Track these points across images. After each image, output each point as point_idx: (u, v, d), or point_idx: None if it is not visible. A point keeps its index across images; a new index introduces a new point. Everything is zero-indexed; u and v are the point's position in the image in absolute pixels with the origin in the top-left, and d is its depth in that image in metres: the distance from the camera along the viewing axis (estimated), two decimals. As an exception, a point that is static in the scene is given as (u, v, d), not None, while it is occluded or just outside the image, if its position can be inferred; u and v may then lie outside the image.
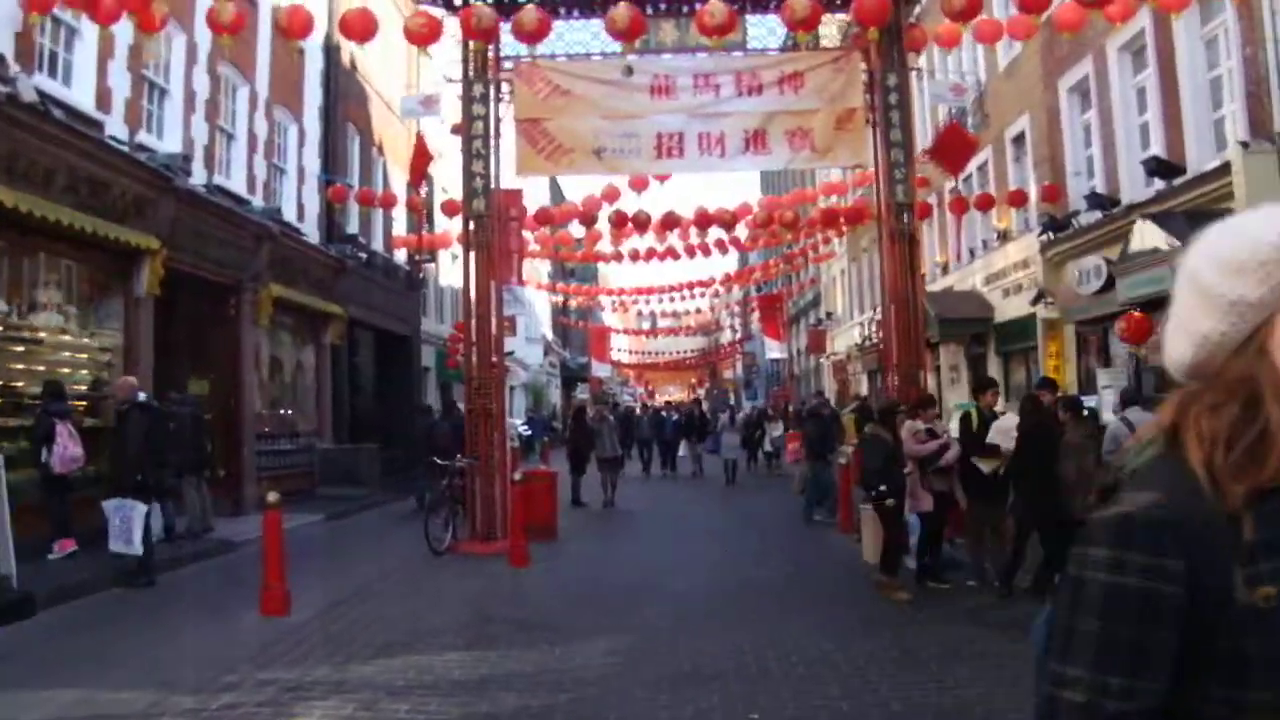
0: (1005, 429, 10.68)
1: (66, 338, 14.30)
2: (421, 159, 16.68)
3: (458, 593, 11.34)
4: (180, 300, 18.07)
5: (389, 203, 21.63)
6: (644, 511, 20.91)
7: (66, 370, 14.15)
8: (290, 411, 22.28)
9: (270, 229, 18.60)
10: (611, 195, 21.27)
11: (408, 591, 11.49)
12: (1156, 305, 12.56)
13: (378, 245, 27.38)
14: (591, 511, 20.38)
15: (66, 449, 12.38)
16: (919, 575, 11.06)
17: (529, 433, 38.39)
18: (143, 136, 15.76)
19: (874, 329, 35.51)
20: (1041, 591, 9.61)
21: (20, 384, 13.19)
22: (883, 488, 10.57)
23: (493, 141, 15.21)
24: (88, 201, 13.54)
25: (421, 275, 32.01)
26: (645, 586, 11.59)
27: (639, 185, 20.41)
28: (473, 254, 15.29)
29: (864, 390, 32.06)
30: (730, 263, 46.29)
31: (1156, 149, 14.79)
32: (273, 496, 10.30)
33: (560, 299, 52.73)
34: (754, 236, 28.78)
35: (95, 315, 14.94)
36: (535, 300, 53.02)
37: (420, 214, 21.12)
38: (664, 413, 30.11)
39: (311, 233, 22.20)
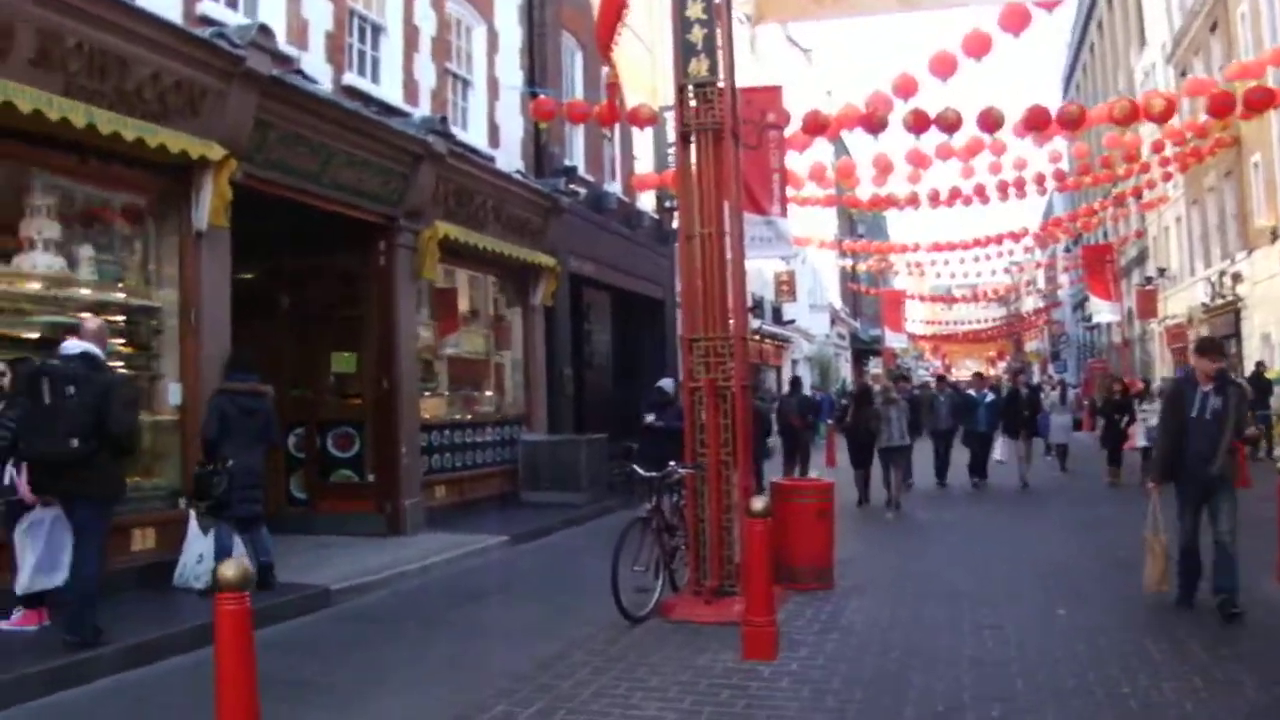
0: None
1: (79, 290, 9.59)
2: (612, 7, 11.08)
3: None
4: (298, 243, 13.41)
5: (609, 117, 16.18)
6: (957, 523, 14.80)
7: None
8: (484, 393, 17.34)
9: (432, 146, 13.53)
10: (905, 87, 15.07)
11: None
12: None
13: (615, 188, 22.16)
14: (881, 530, 14.43)
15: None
16: None
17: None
18: (208, 5, 11.02)
19: (1228, 283, 28.81)
20: None
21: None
22: None
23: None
24: (96, 90, 8.80)
25: (674, 226, 26.58)
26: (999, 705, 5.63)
27: (943, 67, 14.18)
28: (693, 149, 9.61)
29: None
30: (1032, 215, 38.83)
31: None
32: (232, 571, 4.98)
33: (849, 262, 46.40)
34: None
35: (134, 257, 10.31)
36: (820, 264, 46.81)
37: (613, 112, 15.62)
38: (972, 390, 21.58)
39: (509, 162, 17.06)
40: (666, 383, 14.32)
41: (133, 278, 10.05)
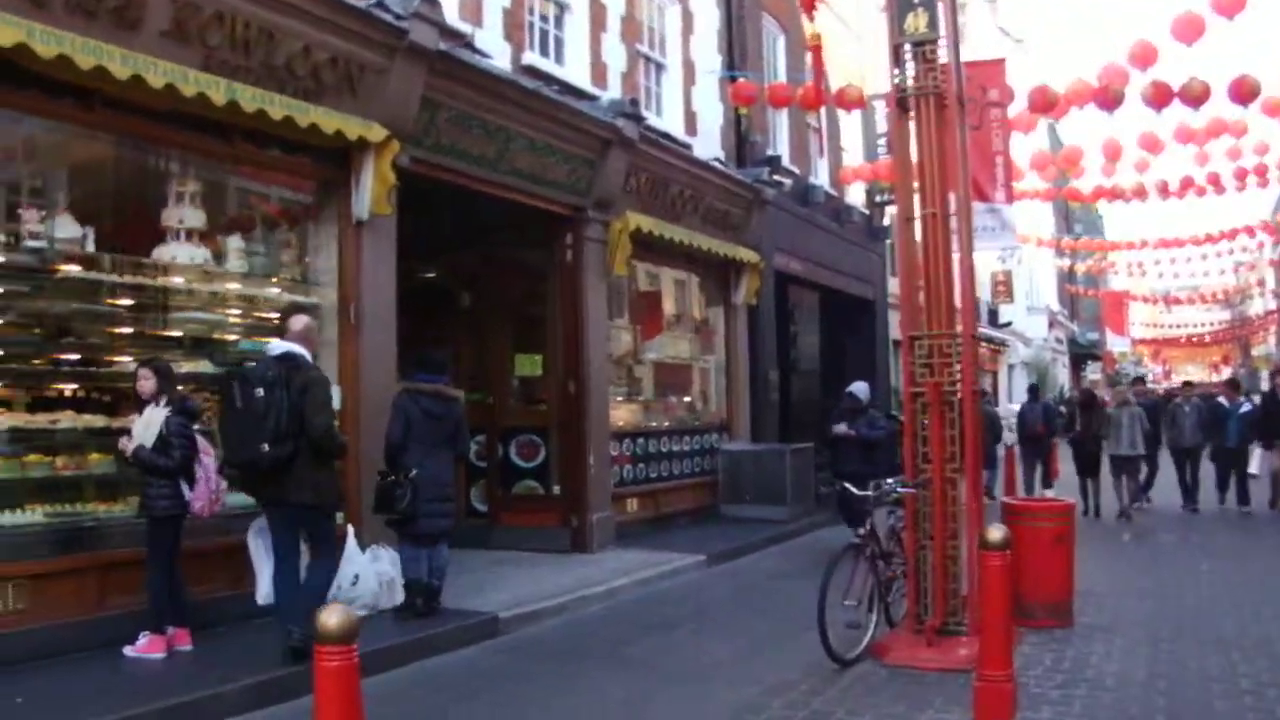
0: None
1: (227, 284, 8.85)
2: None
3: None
4: (478, 237, 12.47)
5: (814, 100, 14.73)
6: (1212, 550, 12.69)
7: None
8: (682, 399, 16.11)
9: (622, 130, 12.41)
10: (1144, 56, 13.13)
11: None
12: None
13: (821, 180, 20.66)
14: (1120, 555, 12.64)
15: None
16: None
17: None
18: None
19: None
20: None
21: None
22: None
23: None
24: (240, 65, 8.00)
25: (885, 222, 24.87)
26: None
27: (1188, 31, 12.27)
28: (911, 122, 8.19)
29: None
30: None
31: None
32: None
33: (1067, 261, 43.31)
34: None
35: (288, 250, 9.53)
36: (1037, 263, 43.84)
37: (818, 96, 14.10)
38: (1223, 399, 18.03)
39: (707, 150, 15.79)
40: (859, 387, 12.51)
41: (287, 271, 9.22)
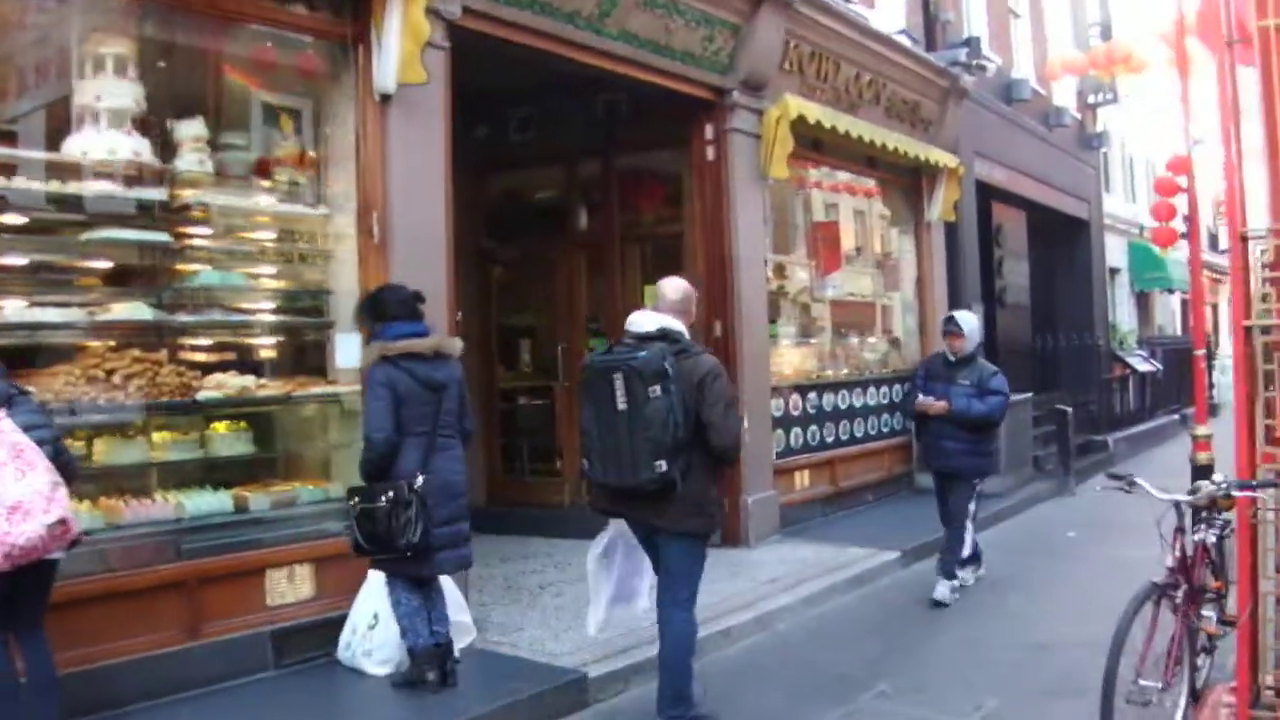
0: None
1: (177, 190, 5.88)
2: None
3: None
4: (586, 135, 9.75)
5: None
6: None
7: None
8: (865, 340, 12.73)
9: (773, -11, 9.18)
10: None
11: None
12: None
13: (1023, 73, 16.83)
14: None
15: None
16: None
17: None
18: None
19: None
20: None
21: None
22: None
23: None
24: None
25: (1099, 129, 20.80)
26: None
27: None
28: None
29: None
30: None
31: None
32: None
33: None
34: None
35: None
36: None
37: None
38: None
39: (888, 24, 12.27)
40: (966, 320, 7.96)
41: (282, 173, 6.32)
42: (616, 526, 5.19)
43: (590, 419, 4.98)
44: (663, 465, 4.75)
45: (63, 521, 3.91)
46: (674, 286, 5.24)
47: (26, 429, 3.99)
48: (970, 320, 7.99)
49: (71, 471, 4.27)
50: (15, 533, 3.78)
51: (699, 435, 4.87)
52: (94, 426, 5.34)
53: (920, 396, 7.75)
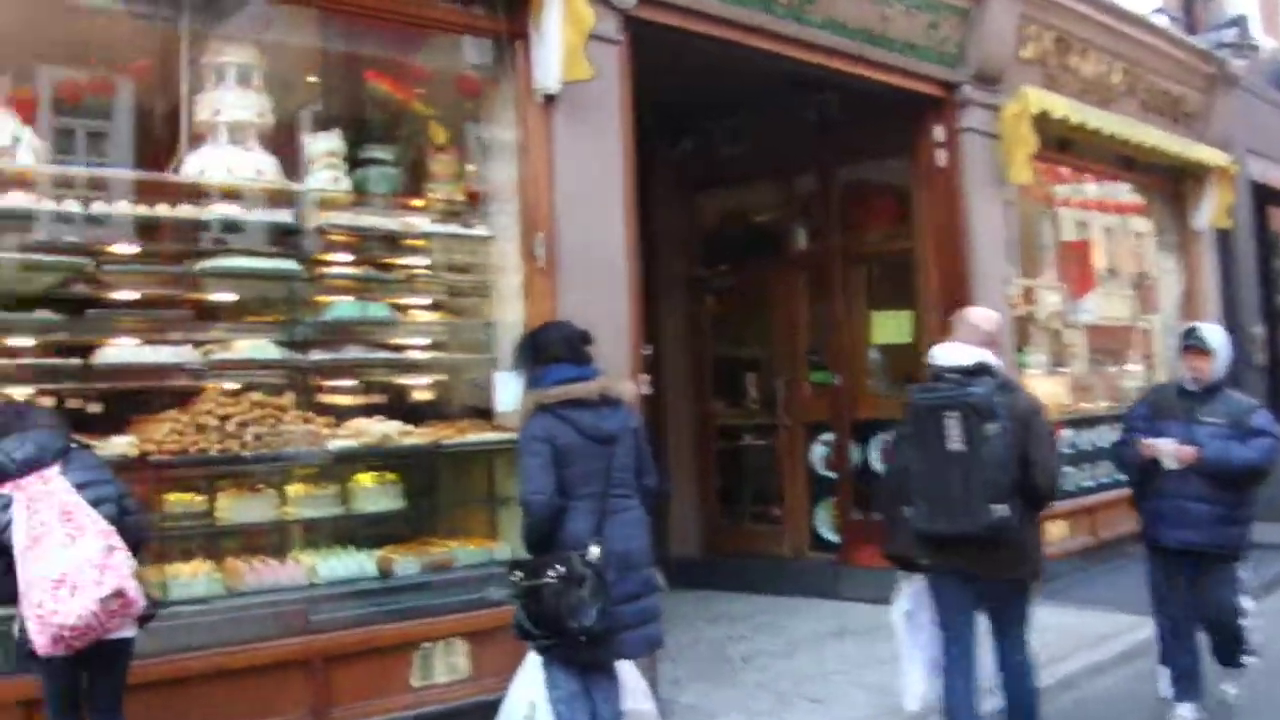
0: None
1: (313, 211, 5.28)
2: None
3: None
4: (791, 139, 8.80)
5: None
6: None
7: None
8: (1123, 367, 11.03)
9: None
10: None
11: None
12: None
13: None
14: None
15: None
16: None
17: None
18: None
19: None
20: None
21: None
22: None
23: None
24: None
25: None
26: None
27: None
28: None
29: None
30: None
31: None
32: None
33: None
34: None
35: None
36: None
37: None
38: None
39: (1139, 1, 10.81)
40: (1213, 332, 5.71)
41: (438, 188, 5.55)
42: (918, 583, 4.93)
43: (917, 460, 4.68)
44: (1004, 509, 4.43)
45: (120, 594, 3.33)
46: (984, 316, 4.97)
47: (81, 487, 3.47)
48: (1218, 335, 5.77)
49: (140, 534, 3.69)
50: (64, 611, 3.24)
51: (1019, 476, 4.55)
52: (214, 480, 4.67)
53: (1145, 440, 5.62)
